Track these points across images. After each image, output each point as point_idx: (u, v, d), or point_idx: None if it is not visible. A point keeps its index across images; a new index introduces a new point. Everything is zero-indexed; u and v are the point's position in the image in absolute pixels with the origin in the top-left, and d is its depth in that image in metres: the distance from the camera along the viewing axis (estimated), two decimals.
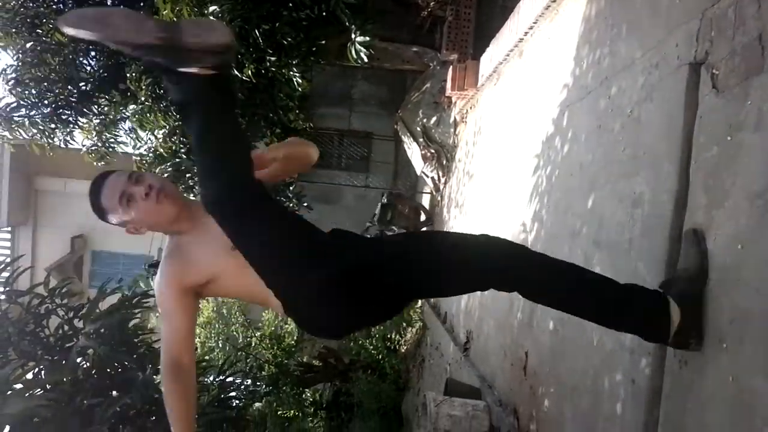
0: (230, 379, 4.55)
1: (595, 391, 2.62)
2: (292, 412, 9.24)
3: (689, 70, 2.18)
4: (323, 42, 6.66)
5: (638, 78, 2.59)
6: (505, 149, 5.11)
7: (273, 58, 6.11)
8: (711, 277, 1.92)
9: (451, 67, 7.22)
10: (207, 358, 8.71)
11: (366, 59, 4.74)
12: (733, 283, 1.81)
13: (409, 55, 8.88)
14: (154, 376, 3.66)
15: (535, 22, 4.58)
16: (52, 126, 7.27)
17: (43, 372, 3.52)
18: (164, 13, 5.02)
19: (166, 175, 7.14)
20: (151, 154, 7.68)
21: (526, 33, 4.81)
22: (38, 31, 6.90)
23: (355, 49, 4.61)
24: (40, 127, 7.19)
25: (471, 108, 7.15)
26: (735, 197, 1.86)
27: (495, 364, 4.36)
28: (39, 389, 3.22)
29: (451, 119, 8.05)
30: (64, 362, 3.50)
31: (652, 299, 1.88)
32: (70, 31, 1.57)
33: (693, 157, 2.12)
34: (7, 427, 3.09)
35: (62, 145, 7.67)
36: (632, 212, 2.48)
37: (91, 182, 2.01)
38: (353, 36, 4.61)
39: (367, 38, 4.57)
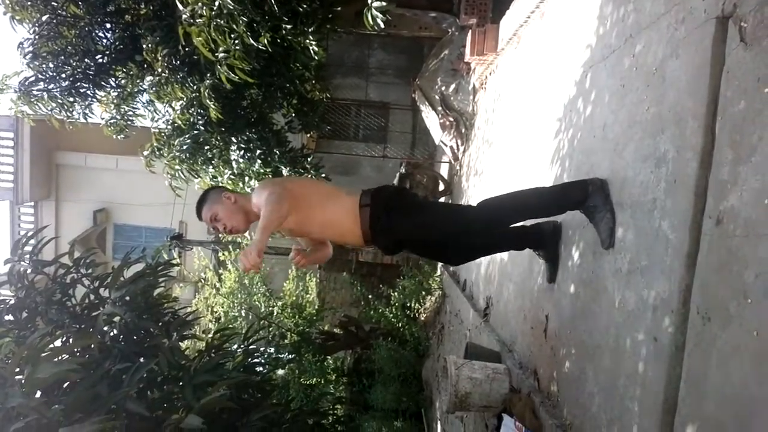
0: (253, 347, 4.59)
1: (616, 350, 2.63)
2: (314, 379, 9.37)
3: (716, 23, 2.14)
4: (339, 8, 6.60)
5: (663, 34, 2.55)
6: (526, 114, 5.06)
7: (289, 26, 6.07)
8: (736, 233, 1.91)
9: (470, 32, 7.13)
10: (231, 326, 8.83)
11: (383, 26, 4.66)
12: (759, 238, 1.80)
13: (426, 21, 8.79)
14: (179, 343, 3.71)
15: None
16: (71, 99, 7.29)
17: (70, 339, 3.57)
18: None
19: (185, 147, 7.17)
20: (169, 127, 7.71)
21: None
22: (53, 3, 6.89)
23: (372, 15, 4.52)
24: (59, 100, 7.21)
25: (490, 73, 7.07)
26: (762, 152, 1.84)
27: (515, 328, 4.37)
28: (67, 355, 3.28)
29: (470, 86, 7.99)
30: (91, 329, 3.56)
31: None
32: None
33: (719, 112, 2.09)
34: (38, 392, 3.16)
35: (81, 119, 7.71)
36: (656, 171, 2.45)
37: (196, 203, 3.17)
38: (369, 1, 4.53)
39: (384, 3, 4.49)
